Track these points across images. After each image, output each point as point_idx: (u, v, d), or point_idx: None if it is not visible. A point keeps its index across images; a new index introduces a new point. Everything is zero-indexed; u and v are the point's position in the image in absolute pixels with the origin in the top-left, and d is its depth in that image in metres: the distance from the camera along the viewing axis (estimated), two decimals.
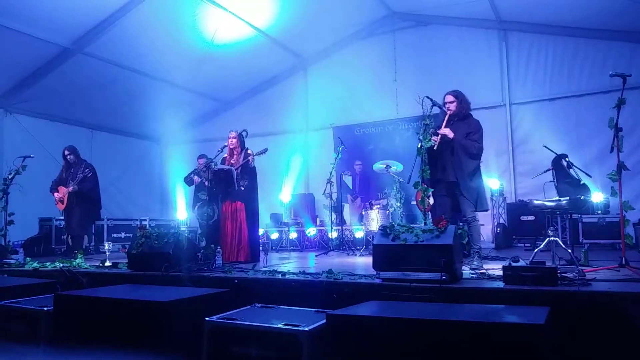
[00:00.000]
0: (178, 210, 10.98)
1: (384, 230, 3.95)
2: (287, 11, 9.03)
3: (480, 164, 5.07)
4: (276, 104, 11.52)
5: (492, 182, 8.55)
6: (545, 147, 6.76)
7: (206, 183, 6.55)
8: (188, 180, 8.51)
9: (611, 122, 4.45)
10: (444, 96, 5.05)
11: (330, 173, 8.14)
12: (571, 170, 5.74)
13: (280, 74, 11.52)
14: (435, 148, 4.71)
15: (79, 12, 7.74)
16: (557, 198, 5.30)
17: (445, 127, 4.88)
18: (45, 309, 3.80)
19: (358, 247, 7.79)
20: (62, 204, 7.33)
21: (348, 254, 7.26)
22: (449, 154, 4.84)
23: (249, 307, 3.62)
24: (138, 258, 5.21)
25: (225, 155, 6.49)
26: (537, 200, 5.24)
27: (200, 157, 8.38)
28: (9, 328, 3.91)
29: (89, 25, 8.18)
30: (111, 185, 10.17)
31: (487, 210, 5.28)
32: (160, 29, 8.39)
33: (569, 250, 4.65)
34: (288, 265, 5.62)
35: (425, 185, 4.44)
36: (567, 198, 5.10)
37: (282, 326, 2.92)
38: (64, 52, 8.51)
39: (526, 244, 7.82)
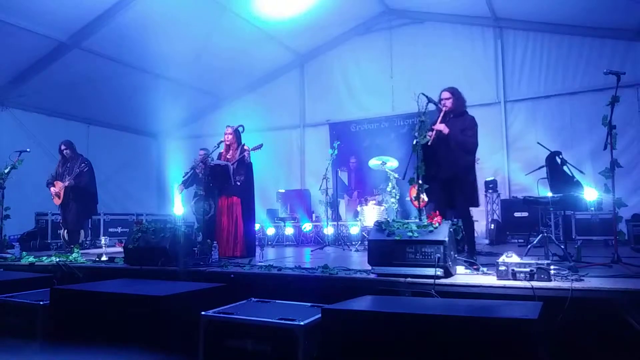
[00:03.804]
0: (175, 205, 10.95)
1: (379, 226, 3.97)
2: (285, 8, 9.02)
3: (476, 161, 5.10)
4: (273, 100, 11.55)
5: (485, 176, 8.61)
6: (539, 144, 6.79)
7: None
8: (187, 181, 8.39)
9: (605, 120, 4.49)
10: (441, 92, 5.07)
11: (326, 169, 8.17)
12: (565, 167, 5.77)
13: (277, 70, 11.54)
14: (429, 144, 4.73)
15: (75, 6, 7.72)
16: (550, 194, 5.34)
17: (441, 123, 4.91)
18: (41, 303, 3.81)
19: (353, 243, 7.83)
20: (59, 198, 7.32)
21: (343, 249, 7.29)
22: (444, 150, 4.86)
23: (245, 301, 3.64)
24: (134, 252, 5.20)
25: (222, 150, 6.51)
26: (530, 196, 5.28)
27: (201, 149, 8.33)
28: (5, 322, 3.91)
29: (85, 20, 8.17)
30: (108, 180, 10.15)
31: (478, 206, 5.32)
32: (157, 24, 8.36)
33: (562, 247, 4.70)
34: (284, 260, 5.64)
35: (420, 182, 4.47)
36: (561, 195, 5.14)
37: (277, 321, 2.95)
38: (60, 46, 8.48)
39: (520, 240, 7.87)
